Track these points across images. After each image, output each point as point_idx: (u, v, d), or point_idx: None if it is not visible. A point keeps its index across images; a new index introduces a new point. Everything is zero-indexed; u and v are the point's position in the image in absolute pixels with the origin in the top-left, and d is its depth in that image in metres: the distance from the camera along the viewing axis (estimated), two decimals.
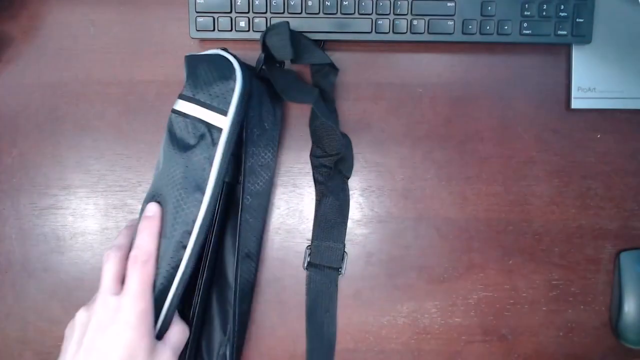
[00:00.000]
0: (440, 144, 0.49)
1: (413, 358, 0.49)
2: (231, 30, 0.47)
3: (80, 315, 0.36)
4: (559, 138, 0.49)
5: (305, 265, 0.48)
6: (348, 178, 0.48)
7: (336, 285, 0.48)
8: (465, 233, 0.49)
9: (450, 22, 0.46)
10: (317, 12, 0.46)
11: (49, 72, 0.49)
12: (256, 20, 0.46)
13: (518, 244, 0.49)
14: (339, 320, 0.48)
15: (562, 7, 0.46)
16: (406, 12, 0.46)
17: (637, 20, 0.48)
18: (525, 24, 0.46)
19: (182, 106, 0.40)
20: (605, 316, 0.49)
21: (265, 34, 0.43)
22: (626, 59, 0.48)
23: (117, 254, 0.38)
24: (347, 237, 0.49)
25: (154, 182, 0.40)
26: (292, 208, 0.49)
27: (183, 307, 0.41)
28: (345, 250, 0.48)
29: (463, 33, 0.46)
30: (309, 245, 0.48)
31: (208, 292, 0.43)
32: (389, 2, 0.46)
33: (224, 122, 0.39)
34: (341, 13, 0.46)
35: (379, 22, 0.46)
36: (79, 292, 0.48)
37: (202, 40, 0.49)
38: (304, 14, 0.46)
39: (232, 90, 0.39)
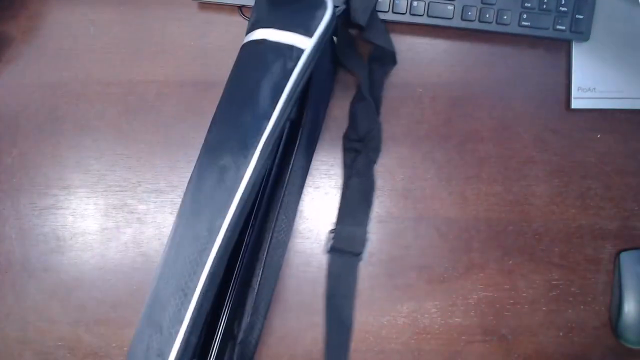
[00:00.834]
0: (440, 144, 0.49)
1: (413, 358, 0.49)
2: None
3: None
4: (559, 138, 0.49)
5: (328, 249, 0.48)
6: (375, 163, 0.48)
7: (357, 271, 0.48)
8: (465, 233, 0.49)
9: (450, 7, 0.46)
10: None
11: (49, 72, 0.49)
12: None
13: (518, 244, 0.49)
14: None
15: (563, 1, 0.46)
16: None
17: (637, 21, 0.48)
18: (524, 15, 0.46)
19: (255, 35, 0.39)
20: (605, 316, 0.49)
21: None
22: (626, 59, 0.48)
23: None
24: None
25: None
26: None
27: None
28: (368, 236, 0.48)
29: (462, 19, 0.46)
30: (332, 229, 0.48)
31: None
32: None
33: (306, 43, 0.38)
34: None
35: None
36: (79, 292, 0.48)
37: (204, 3, 0.49)
38: None
39: (321, 17, 0.38)
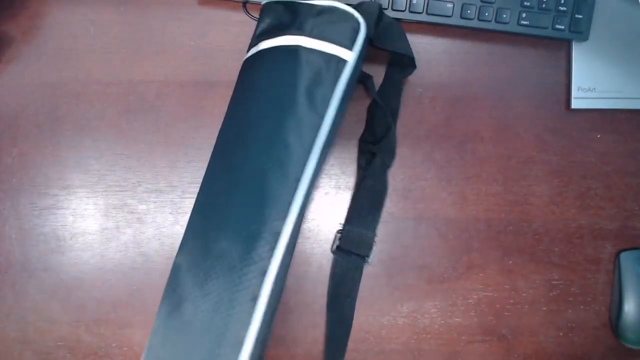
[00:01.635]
0: (440, 144, 0.49)
1: (413, 358, 0.49)
2: None
3: None
4: (559, 138, 0.49)
5: (334, 248, 0.48)
6: (389, 167, 0.48)
7: (361, 273, 0.48)
8: (465, 233, 0.49)
9: (450, 5, 0.46)
10: None
11: (49, 72, 0.49)
12: None
13: (518, 244, 0.49)
14: None
15: (562, 1, 0.46)
16: None
17: (637, 21, 0.48)
18: (524, 14, 0.46)
19: (286, 40, 0.39)
20: (605, 316, 0.49)
21: (356, 7, 0.42)
22: (626, 59, 0.48)
23: None
24: None
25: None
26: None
27: None
28: (375, 240, 0.48)
29: (461, 17, 0.47)
30: (340, 230, 0.48)
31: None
32: None
33: (349, 56, 0.38)
34: None
35: None
36: (79, 292, 0.48)
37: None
38: None
39: (357, 30, 0.39)
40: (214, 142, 0.48)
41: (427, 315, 0.49)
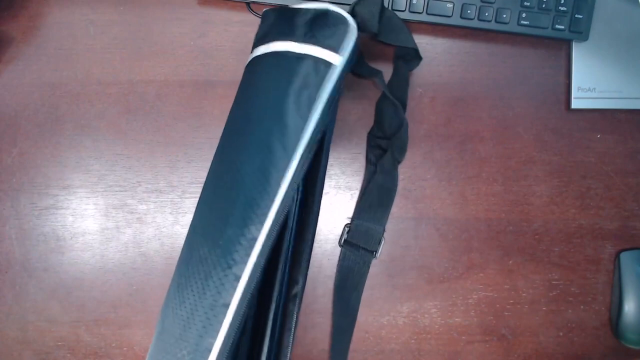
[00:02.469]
0: (440, 144, 0.49)
1: (413, 358, 0.49)
2: None
3: None
4: (559, 138, 0.49)
5: (342, 242, 0.48)
6: (399, 162, 0.48)
7: (368, 267, 0.48)
8: (465, 233, 0.49)
9: (450, 5, 0.46)
10: None
11: (49, 72, 0.49)
12: None
13: (518, 244, 0.49)
14: None
15: (562, 1, 0.46)
16: None
17: (637, 21, 0.48)
18: (524, 14, 0.46)
19: (278, 46, 0.39)
20: (605, 316, 0.49)
21: (356, 3, 0.43)
22: (626, 59, 0.48)
23: None
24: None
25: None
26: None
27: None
28: (384, 235, 0.48)
29: (461, 17, 0.47)
30: (348, 224, 0.48)
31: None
32: None
33: (336, 59, 0.38)
34: None
35: None
36: (79, 292, 0.48)
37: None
38: None
39: (346, 33, 0.38)
40: (214, 142, 0.48)
41: (427, 315, 0.49)
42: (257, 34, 0.42)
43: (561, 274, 0.49)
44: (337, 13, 0.39)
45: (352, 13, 0.43)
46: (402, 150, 0.47)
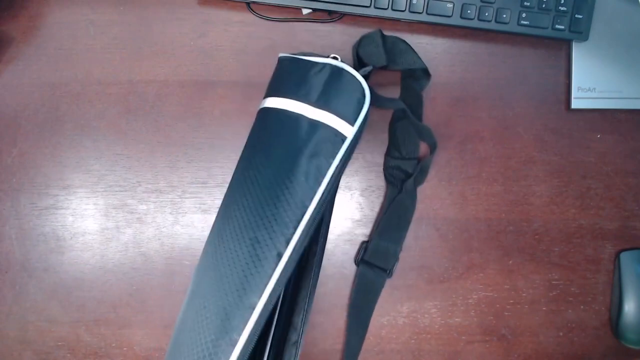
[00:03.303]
0: (440, 144, 0.49)
1: (413, 358, 0.49)
2: None
3: None
4: (559, 138, 0.49)
5: (358, 260, 0.48)
6: (420, 185, 0.48)
7: (382, 286, 0.48)
8: (465, 233, 0.49)
9: (450, 5, 0.46)
10: None
11: (49, 72, 0.49)
12: None
13: (518, 244, 0.49)
14: (339, 319, 0.48)
15: (562, 1, 0.46)
16: None
17: (637, 21, 0.48)
18: (524, 14, 0.46)
19: (292, 105, 0.39)
20: (605, 316, 0.49)
21: (357, 45, 0.43)
22: (626, 59, 0.48)
23: None
24: (347, 237, 0.49)
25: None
26: None
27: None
28: (400, 255, 0.48)
29: (461, 17, 0.47)
30: (366, 242, 0.48)
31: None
32: None
33: (349, 131, 0.38)
34: None
35: None
36: (79, 292, 0.48)
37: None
38: None
39: (361, 104, 0.39)
40: (214, 142, 0.48)
41: (427, 315, 0.49)
42: (271, 81, 0.42)
43: (561, 274, 0.49)
44: (352, 76, 0.39)
45: (357, 55, 0.43)
46: (425, 173, 0.47)
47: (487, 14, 0.46)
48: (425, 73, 0.47)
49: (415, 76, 0.47)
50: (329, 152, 0.38)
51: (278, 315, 0.42)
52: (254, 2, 0.48)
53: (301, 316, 0.43)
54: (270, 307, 0.36)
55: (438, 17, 0.47)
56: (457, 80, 0.49)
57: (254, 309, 0.35)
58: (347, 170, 0.49)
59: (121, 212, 0.49)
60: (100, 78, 0.49)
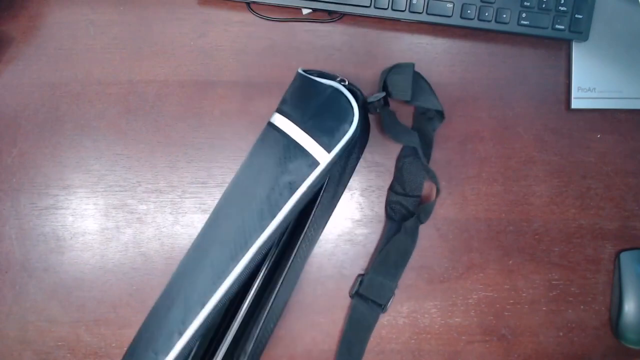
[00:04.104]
0: (440, 144, 0.49)
1: (413, 358, 0.49)
2: None
3: None
4: (559, 138, 0.49)
5: (353, 293, 0.48)
6: (422, 224, 0.48)
7: (376, 321, 0.48)
8: (465, 233, 0.49)
9: (450, 5, 0.46)
10: None
11: (49, 72, 0.49)
12: None
13: (518, 244, 0.49)
14: (339, 319, 0.48)
15: (562, 1, 0.46)
16: None
17: (637, 21, 0.48)
18: (524, 14, 0.46)
19: (283, 124, 0.40)
20: (605, 316, 0.49)
21: (388, 72, 0.44)
22: (626, 59, 0.48)
23: None
24: (347, 237, 0.49)
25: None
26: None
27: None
28: (395, 291, 0.48)
29: (461, 17, 0.47)
30: (362, 275, 0.48)
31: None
32: None
33: (324, 158, 0.39)
34: None
35: None
36: (79, 292, 0.48)
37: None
38: None
39: (345, 132, 0.40)
40: (214, 142, 0.49)
41: (427, 315, 0.49)
42: (284, 94, 0.42)
43: (561, 274, 0.49)
44: (346, 101, 0.40)
45: (384, 82, 0.44)
46: (428, 214, 0.47)
47: (487, 14, 0.46)
48: (440, 115, 0.47)
49: (429, 116, 0.48)
50: (298, 176, 0.39)
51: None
52: (254, 2, 0.48)
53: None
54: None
55: (438, 17, 0.47)
56: (457, 80, 0.49)
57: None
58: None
59: (121, 212, 0.49)
60: (100, 78, 0.49)
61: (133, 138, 0.49)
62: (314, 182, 0.39)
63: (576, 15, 0.46)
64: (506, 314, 0.49)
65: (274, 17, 0.49)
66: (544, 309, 0.49)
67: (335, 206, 0.44)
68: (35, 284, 0.48)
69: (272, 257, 0.44)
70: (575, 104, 0.48)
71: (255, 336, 0.42)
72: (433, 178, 0.46)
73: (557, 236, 0.49)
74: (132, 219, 0.48)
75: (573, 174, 0.49)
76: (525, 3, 0.46)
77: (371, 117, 0.48)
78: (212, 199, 0.48)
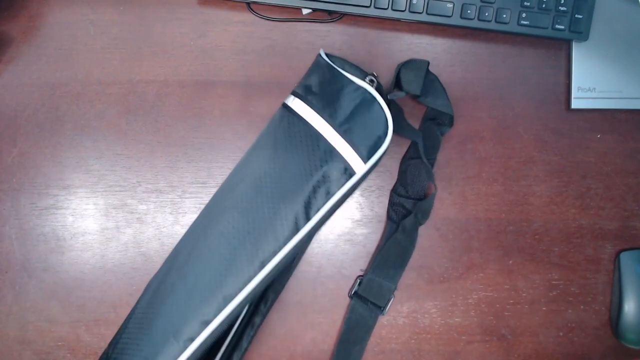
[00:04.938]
0: (440, 144, 0.49)
1: (413, 358, 0.49)
2: None
3: None
4: (559, 138, 0.49)
5: (352, 294, 0.48)
6: (421, 225, 0.48)
7: (375, 322, 0.48)
8: (465, 233, 0.49)
9: (450, 5, 0.46)
10: None
11: (49, 72, 0.49)
12: None
13: (518, 244, 0.49)
14: (339, 319, 0.48)
15: (562, 1, 0.46)
16: None
17: (637, 21, 0.48)
18: (524, 14, 0.46)
19: (314, 120, 0.40)
20: (605, 316, 0.49)
21: (402, 65, 0.44)
22: (626, 59, 0.48)
23: None
24: (347, 237, 0.49)
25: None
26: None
27: None
28: (395, 293, 0.48)
29: (461, 17, 0.47)
30: (361, 276, 0.48)
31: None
32: None
33: (360, 168, 0.40)
34: None
35: None
36: (79, 292, 0.48)
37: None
38: None
39: (381, 144, 0.40)
40: (214, 142, 0.48)
41: (427, 315, 0.49)
42: (305, 78, 0.42)
43: (561, 274, 0.49)
44: (380, 109, 0.40)
45: (397, 74, 0.44)
46: (427, 214, 0.47)
47: (487, 14, 0.46)
48: (450, 120, 0.47)
49: (439, 120, 0.48)
50: (334, 183, 0.39)
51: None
52: (254, 2, 0.48)
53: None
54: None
55: (438, 17, 0.47)
56: (457, 80, 0.49)
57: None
58: None
59: (121, 212, 0.49)
60: (100, 78, 0.49)
61: (133, 138, 0.49)
62: (348, 190, 0.40)
63: (576, 15, 0.46)
64: (506, 314, 0.49)
65: (274, 17, 0.49)
66: (544, 309, 0.49)
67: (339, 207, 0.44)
68: (35, 284, 0.48)
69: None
70: (575, 104, 0.48)
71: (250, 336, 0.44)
72: (429, 174, 0.46)
73: (557, 236, 0.49)
74: (132, 219, 0.48)
75: (573, 174, 0.49)
76: (525, 3, 0.46)
77: None
78: None
